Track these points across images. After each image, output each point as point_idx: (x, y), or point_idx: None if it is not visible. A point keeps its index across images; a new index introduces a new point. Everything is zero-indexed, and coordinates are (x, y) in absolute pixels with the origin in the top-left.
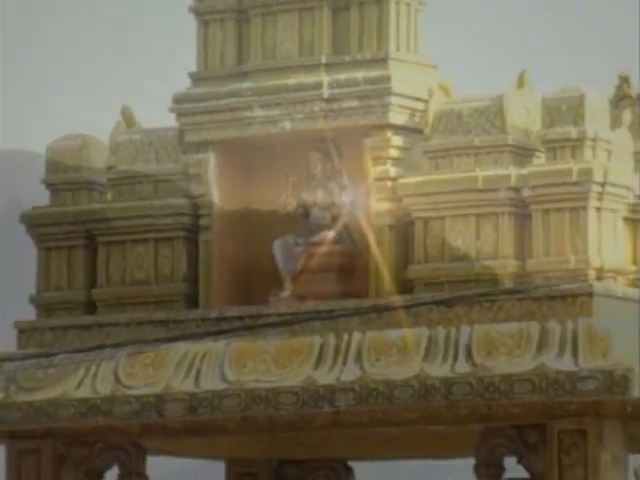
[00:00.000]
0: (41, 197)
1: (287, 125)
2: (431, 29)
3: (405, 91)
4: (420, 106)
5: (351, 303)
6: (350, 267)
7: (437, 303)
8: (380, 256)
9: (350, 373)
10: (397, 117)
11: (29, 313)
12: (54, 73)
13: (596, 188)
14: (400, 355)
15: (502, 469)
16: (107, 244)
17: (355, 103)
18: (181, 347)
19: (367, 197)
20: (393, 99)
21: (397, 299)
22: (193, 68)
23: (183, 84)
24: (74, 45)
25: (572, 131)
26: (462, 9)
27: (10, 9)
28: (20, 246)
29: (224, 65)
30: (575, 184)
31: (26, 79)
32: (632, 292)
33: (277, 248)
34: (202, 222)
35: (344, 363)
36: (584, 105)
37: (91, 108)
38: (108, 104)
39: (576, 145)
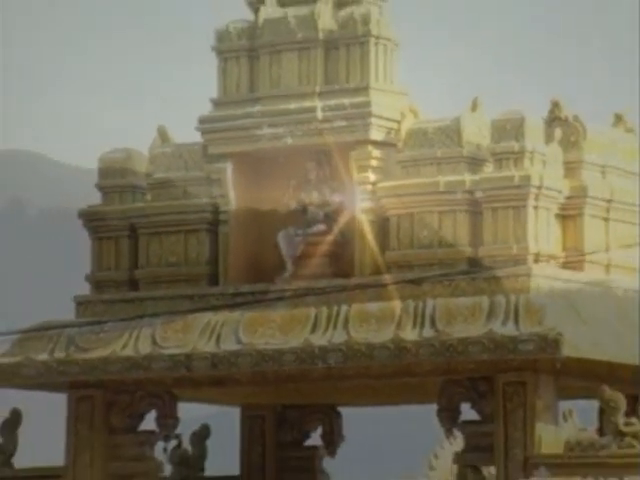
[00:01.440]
0: (41, 197)
1: (289, 140)
2: (403, 63)
3: (382, 113)
4: (394, 125)
5: (339, 282)
6: (339, 253)
7: (408, 282)
8: (363, 244)
9: (339, 337)
10: (376, 134)
11: (85, 289)
12: (54, 74)
13: (534, 191)
14: (379, 323)
15: (459, 413)
16: (146, 235)
17: (343, 123)
18: (204, 316)
19: (352, 198)
20: (373, 120)
21: (376, 278)
22: (214, 95)
23: (207, 108)
24: (83, 51)
25: (515, 145)
26: (428, 46)
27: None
28: (20, 244)
29: (239, 93)
30: (517, 187)
31: (26, 79)
32: (562, 273)
33: (281, 238)
34: (221, 217)
35: (334, 329)
36: (524, 125)
37: (91, 109)
38: (115, 108)
39: (518, 157)
